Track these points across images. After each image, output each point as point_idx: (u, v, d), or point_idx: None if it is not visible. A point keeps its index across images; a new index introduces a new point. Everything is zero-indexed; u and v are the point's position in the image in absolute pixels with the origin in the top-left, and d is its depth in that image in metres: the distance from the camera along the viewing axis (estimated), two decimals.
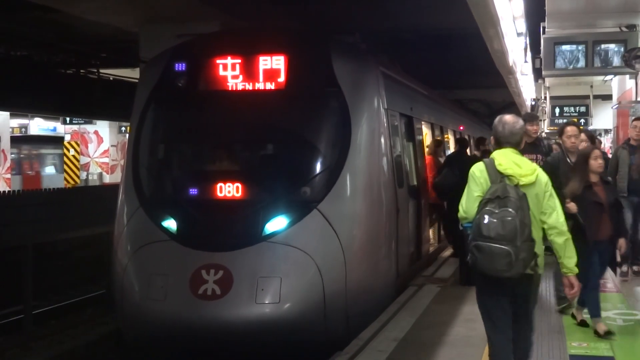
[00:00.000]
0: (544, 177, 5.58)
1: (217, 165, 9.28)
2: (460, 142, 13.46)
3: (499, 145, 5.67)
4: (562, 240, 5.51)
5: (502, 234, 5.17)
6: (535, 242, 5.34)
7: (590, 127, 28.13)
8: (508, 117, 5.75)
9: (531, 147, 9.73)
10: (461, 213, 5.56)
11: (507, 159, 5.53)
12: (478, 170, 5.57)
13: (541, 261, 5.42)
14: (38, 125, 37.04)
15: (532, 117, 10.64)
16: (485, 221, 5.23)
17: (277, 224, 8.24)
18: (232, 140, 9.23)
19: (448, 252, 13.97)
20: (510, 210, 5.21)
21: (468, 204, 5.50)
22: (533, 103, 29.50)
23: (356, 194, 8.69)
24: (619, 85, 20.82)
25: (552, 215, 5.50)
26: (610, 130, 24.77)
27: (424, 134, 13.07)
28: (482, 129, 26.07)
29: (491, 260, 5.21)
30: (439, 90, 19.44)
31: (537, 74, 22.70)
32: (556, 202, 5.57)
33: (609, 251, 8.04)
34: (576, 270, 5.53)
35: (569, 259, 5.52)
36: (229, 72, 9.09)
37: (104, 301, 13.12)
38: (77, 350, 10.17)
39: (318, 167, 8.80)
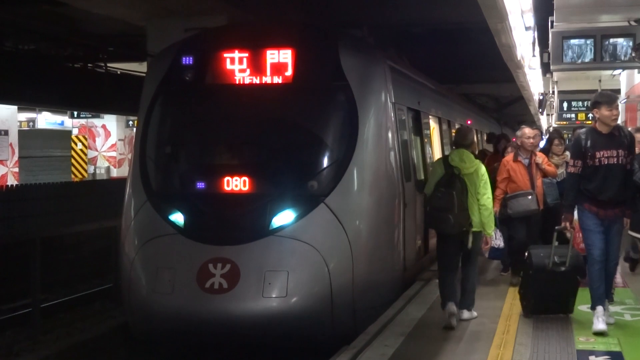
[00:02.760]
0: (482, 169, 8.19)
1: (224, 159, 9.29)
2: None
3: (456, 146, 8.39)
4: (488, 214, 8.08)
5: (445, 207, 7.84)
6: (468, 210, 7.98)
7: None
8: (462, 128, 9.67)
9: (609, 140, 7.54)
10: (425, 190, 8.42)
11: (457, 156, 8.14)
12: (438, 164, 8.39)
13: (475, 222, 8.04)
14: (45, 119, 37.07)
15: (610, 99, 7.59)
16: (437, 197, 7.95)
17: (284, 217, 8.25)
18: (239, 134, 9.22)
19: None
20: (453, 192, 7.86)
21: (428, 186, 8.27)
22: (541, 97, 29.37)
23: (363, 188, 8.69)
24: (628, 79, 20.74)
25: (484, 197, 8.06)
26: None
27: (431, 128, 13.05)
28: (490, 123, 26.03)
29: (440, 224, 7.97)
30: (447, 84, 19.39)
31: (545, 68, 22.58)
32: (488, 187, 8.17)
33: None
34: (492, 234, 8.30)
35: (489, 228, 8.13)
36: (236, 65, 9.10)
37: (111, 295, 13.14)
38: (86, 344, 10.18)
39: (325, 161, 8.80)
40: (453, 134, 15.55)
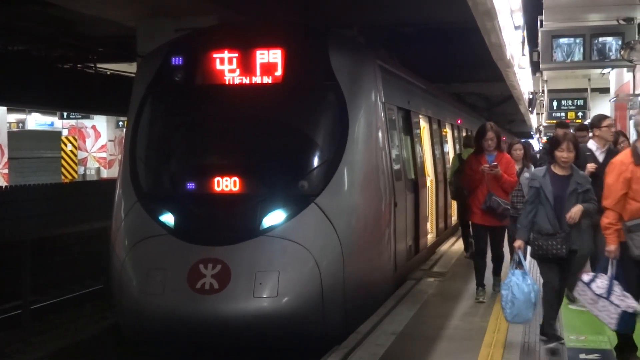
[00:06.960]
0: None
1: (214, 159, 9.27)
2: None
3: (465, 147, 12.58)
4: None
5: (461, 185, 10.87)
6: None
7: (588, 120, 28.08)
8: (469, 135, 13.75)
9: None
10: (448, 177, 13.26)
11: (467, 154, 10.94)
12: (455, 159, 12.88)
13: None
14: (35, 120, 36.99)
15: None
16: (456, 181, 11.90)
17: (274, 218, 8.25)
18: (229, 134, 9.21)
19: (446, 245, 13.99)
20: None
21: (450, 173, 12.78)
22: (531, 96, 29.47)
23: (354, 187, 8.69)
24: (617, 78, 20.82)
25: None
26: None
27: (421, 127, 13.08)
28: (480, 122, 26.06)
29: (457, 196, 12.34)
30: (437, 83, 19.42)
31: (535, 67, 22.69)
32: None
33: None
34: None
35: None
36: (226, 66, 9.09)
37: (102, 296, 13.11)
38: (77, 345, 10.17)
39: (315, 161, 8.79)
40: (443, 133, 15.64)
